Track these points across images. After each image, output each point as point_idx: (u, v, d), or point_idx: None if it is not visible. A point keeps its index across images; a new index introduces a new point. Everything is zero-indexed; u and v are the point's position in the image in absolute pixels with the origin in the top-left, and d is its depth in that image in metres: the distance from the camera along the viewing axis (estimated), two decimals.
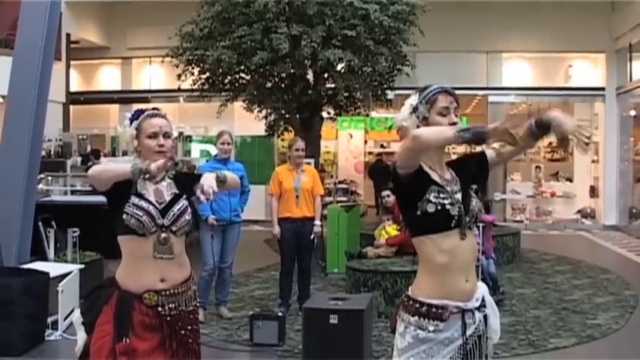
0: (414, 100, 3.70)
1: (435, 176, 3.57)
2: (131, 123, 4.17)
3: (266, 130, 13.63)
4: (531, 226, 20.16)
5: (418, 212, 3.50)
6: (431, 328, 3.47)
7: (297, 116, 13.08)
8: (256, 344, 8.00)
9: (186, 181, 4.27)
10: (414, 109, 3.66)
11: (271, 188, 9.48)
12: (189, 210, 4.20)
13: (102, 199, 11.86)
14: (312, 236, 9.41)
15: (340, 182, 23.54)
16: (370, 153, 27.27)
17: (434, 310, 3.48)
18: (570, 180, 21.82)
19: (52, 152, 19.24)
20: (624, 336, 8.67)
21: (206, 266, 9.11)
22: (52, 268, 8.80)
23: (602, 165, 20.75)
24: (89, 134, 22.37)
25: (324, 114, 13.79)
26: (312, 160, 11.99)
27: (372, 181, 23.66)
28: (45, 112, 9.39)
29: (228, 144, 9.22)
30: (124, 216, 4.01)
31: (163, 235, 4.06)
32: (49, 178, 15.26)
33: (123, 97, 23.25)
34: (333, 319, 6.70)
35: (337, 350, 6.67)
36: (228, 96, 13.65)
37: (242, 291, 10.78)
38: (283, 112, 13.15)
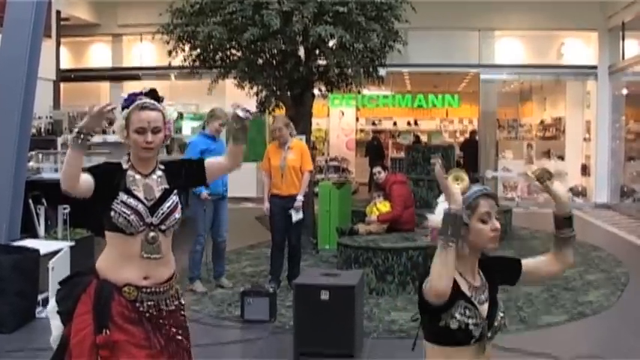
0: None
1: (464, 287, 3.39)
2: (122, 107, 4.00)
3: (257, 107, 13.53)
4: (523, 204, 20.14)
5: (440, 323, 3.33)
6: None
7: (289, 93, 13.00)
8: (247, 320, 8.03)
9: (178, 170, 4.18)
10: None
11: (261, 165, 9.78)
12: (179, 207, 4.09)
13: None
14: (290, 211, 9.45)
15: (332, 160, 23.56)
16: (362, 130, 27.31)
17: None
18: (562, 158, 21.85)
19: (42, 130, 19.12)
20: (615, 313, 8.72)
21: (201, 238, 9.45)
22: (43, 246, 8.77)
23: (594, 143, 20.74)
24: (80, 112, 22.17)
25: (316, 91, 13.71)
26: (303, 137, 11.96)
27: (367, 158, 23.64)
28: (35, 90, 9.32)
29: (222, 125, 9.54)
30: (112, 213, 3.89)
31: (152, 234, 3.96)
32: (40, 155, 15.17)
33: (113, 75, 23.14)
34: (324, 295, 6.69)
35: (328, 326, 6.68)
36: (219, 72, 13.56)
37: (233, 268, 10.78)
38: (274, 88, 13.05)
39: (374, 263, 9.40)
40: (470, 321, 3.33)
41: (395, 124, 27.60)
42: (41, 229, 10.21)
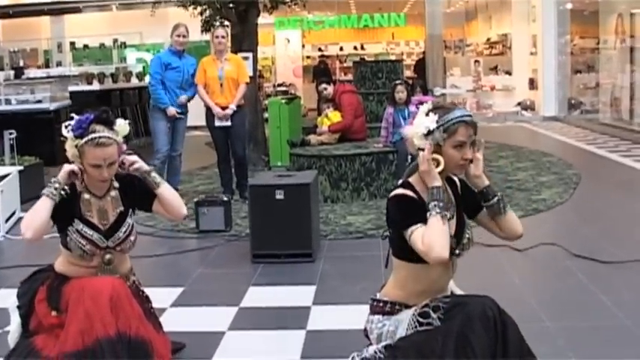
0: (431, 122, 3.38)
1: None
2: (74, 135, 3.84)
3: (202, 26, 13.25)
4: None
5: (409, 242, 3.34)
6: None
7: (233, 10, 12.74)
8: (203, 231, 7.93)
9: (131, 184, 4.10)
10: (430, 132, 3.38)
11: (196, 78, 9.55)
12: (134, 230, 4.10)
13: (38, 106, 11.70)
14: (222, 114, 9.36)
15: (279, 85, 23.36)
16: (308, 57, 27.07)
17: (397, 307, 3.50)
18: (509, 73, 21.87)
19: None
20: (569, 208, 8.80)
21: (158, 154, 9.44)
22: None
23: (541, 57, 20.77)
24: (21, 48, 21.85)
25: (261, 6, 13.42)
26: (250, 55, 11.81)
27: (314, 83, 23.45)
28: None
29: (184, 36, 9.50)
30: (67, 239, 3.90)
31: (108, 256, 3.99)
32: None
33: (54, 9, 22.58)
34: (280, 195, 6.62)
35: (285, 227, 6.60)
36: None
37: (186, 187, 10.63)
38: (218, 6, 12.80)
39: (327, 171, 9.36)
40: None
41: (341, 49, 27.39)
42: None
